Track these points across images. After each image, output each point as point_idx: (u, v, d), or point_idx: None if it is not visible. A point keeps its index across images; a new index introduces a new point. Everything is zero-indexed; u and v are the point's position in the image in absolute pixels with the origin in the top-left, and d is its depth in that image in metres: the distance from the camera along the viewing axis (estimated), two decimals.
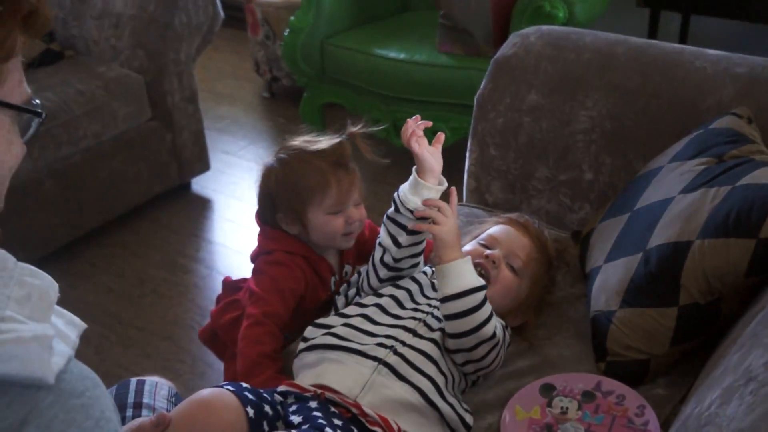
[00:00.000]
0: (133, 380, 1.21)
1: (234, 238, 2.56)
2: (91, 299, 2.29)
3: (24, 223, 2.27)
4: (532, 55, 1.66)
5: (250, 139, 3.23)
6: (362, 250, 1.44)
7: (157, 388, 1.20)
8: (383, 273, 1.29)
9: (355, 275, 1.38)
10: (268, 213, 1.36)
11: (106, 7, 2.56)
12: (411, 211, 1.22)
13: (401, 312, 1.22)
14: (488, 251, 1.31)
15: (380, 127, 1.37)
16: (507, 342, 1.25)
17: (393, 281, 1.30)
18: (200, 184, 2.87)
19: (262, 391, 1.06)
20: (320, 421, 1.01)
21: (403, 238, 1.24)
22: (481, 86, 1.73)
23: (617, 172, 1.56)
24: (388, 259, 1.27)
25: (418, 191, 1.23)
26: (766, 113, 1.40)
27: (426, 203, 1.22)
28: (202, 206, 2.77)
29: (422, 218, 1.22)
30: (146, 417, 1.11)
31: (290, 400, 1.09)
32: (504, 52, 1.71)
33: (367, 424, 1.06)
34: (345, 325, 1.20)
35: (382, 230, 1.28)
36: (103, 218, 2.53)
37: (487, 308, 1.15)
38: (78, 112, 2.34)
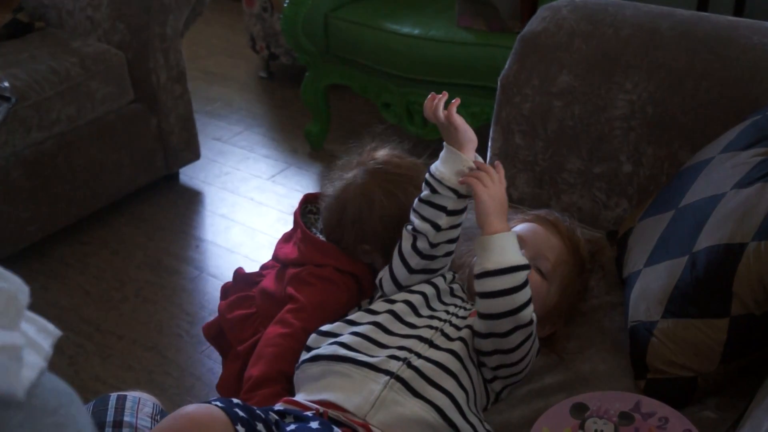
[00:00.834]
0: (113, 396, 1.21)
1: (226, 235, 2.56)
2: (65, 303, 2.30)
3: None
4: (564, 30, 1.65)
5: (245, 124, 3.23)
6: None
7: (140, 404, 1.20)
8: (415, 262, 1.28)
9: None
10: (345, 236, 1.37)
11: None
12: (453, 190, 1.23)
13: (416, 320, 1.23)
14: None
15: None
16: (536, 350, 1.24)
17: (423, 273, 1.30)
18: (189, 175, 2.88)
19: (255, 408, 1.06)
20: None
21: (443, 220, 1.25)
22: (506, 66, 1.72)
23: (660, 163, 1.55)
24: (423, 245, 1.27)
25: (457, 166, 1.24)
26: None
27: (476, 164, 1.24)
28: (190, 199, 2.77)
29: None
30: None
31: (288, 419, 1.09)
32: (532, 28, 1.70)
33: None
34: (353, 333, 1.20)
35: (413, 217, 1.28)
36: (79, 213, 2.53)
37: (528, 291, 1.16)
38: (50, 92, 2.35)
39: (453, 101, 1.27)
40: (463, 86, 2.58)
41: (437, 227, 1.25)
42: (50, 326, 0.64)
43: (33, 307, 1.84)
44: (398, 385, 1.12)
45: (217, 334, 1.48)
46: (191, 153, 2.81)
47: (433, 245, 1.27)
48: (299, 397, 1.16)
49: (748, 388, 1.18)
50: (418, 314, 1.24)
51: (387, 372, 1.13)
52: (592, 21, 1.64)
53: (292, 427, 1.06)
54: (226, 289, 1.51)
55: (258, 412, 1.05)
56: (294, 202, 2.69)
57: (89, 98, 2.44)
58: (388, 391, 1.11)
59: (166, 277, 2.39)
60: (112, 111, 2.53)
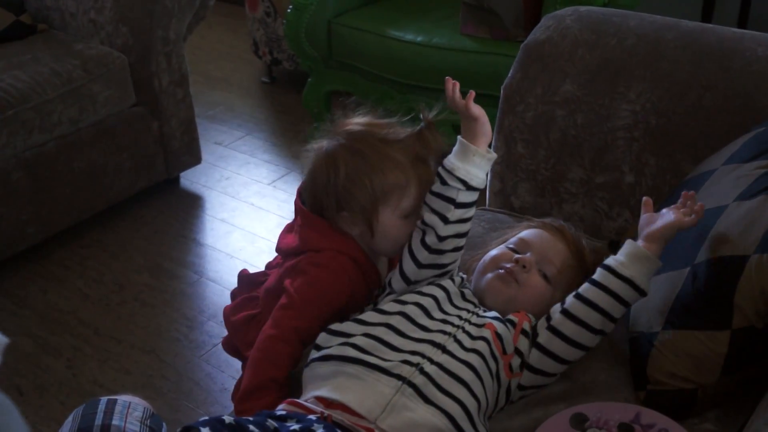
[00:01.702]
0: (103, 399, 1.20)
1: (226, 240, 2.56)
2: (63, 306, 2.30)
3: None
4: (568, 39, 1.65)
5: (247, 129, 3.24)
6: None
7: (130, 408, 1.19)
8: (423, 256, 1.27)
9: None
10: (325, 209, 1.29)
11: None
12: (462, 181, 1.24)
13: (429, 323, 1.22)
14: (518, 255, 1.32)
15: (454, 116, 1.33)
16: None
17: (432, 269, 1.29)
18: (190, 179, 2.88)
19: (250, 424, 1.04)
20: None
21: (451, 213, 1.25)
22: (509, 75, 1.72)
23: (662, 174, 1.55)
24: (431, 239, 1.26)
25: (468, 158, 1.25)
26: None
27: None
28: (191, 204, 2.77)
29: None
30: None
31: (290, 423, 1.09)
32: (536, 36, 1.70)
33: None
34: (366, 335, 1.19)
35: (424, 211, 1.27)
36: (79, 215, 2.53)
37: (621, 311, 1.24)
38: (52, 94, 2.35)
39: (470, 93, 1.29)
40: (465, 94, 2.58)
41: (445, 219, 1.25)
42: None
43: (31, 308, 1.83)
44: (410, 390, 1.11)
45: (235, 346, 1.42)
46: (192, 157, 2.81)
47: (441, 238, 1.26)
48: (306, 397, 1.16)
49: (749, 401, 1.17)
50: (430, 317, 1.23)
51: (399, 377, 1.12)
52: (596, 31, 1.64)
53: (295, 427, 1.06)
54: (233, 294, 1.47)
55: (252, 428, 1.03)
56: None
57: (91, 101, 2.45)
58: (399, 396, 1.11)
59: (166, 281, 2.39)
60: (113, 114, 2.53)
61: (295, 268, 1.30)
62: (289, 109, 3.37)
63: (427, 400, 1.11)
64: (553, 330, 1.24)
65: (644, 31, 1.60)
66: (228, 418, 1.05)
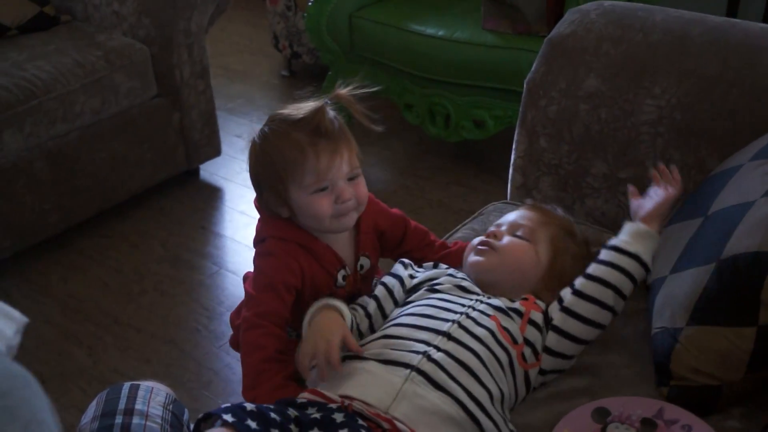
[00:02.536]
0: (126, 384, 1.21)
1: (245, 232, 2.57)
2: (84, 295, 2.31)
3: (11, 208, 2.29)
4: (593, 34, 1.64)
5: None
6: (382, 239, 1.41)
7: (153, 393, 1.20)
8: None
9: (380, 286, 1.34)
10: (258, 195, 1.33)
11: None
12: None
13: (433, 311, 1.23)
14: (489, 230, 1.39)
15: (374, 88, 1.33)
16: None
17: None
18: (209, 171, 2.89)
19: (271, 411, 1.05)
20: None
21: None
22: (533, 69, 1.71)
23: (687, 170, 1.54)
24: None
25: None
26: None
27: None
28: (210, 195, 2.78)
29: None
30: None
31: (311, 411, 1.09)
32: (560, 31, 1.69)
33: None
34: (372, 339, 1.21)
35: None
36: (100, 205, 2.55)
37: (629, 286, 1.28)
38: (75, 85, 2.36)
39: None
40: (486, 89, 2.58)
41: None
42: (16, 313, 0.63)
43: (53, 297, 1.84)
44: (419, 377, 1.12)
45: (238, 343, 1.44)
46: (212, 149, 2.82)
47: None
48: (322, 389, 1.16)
49: None
50: (434, 307, 1.24)
51: (407, 365, 1.13)
52: (621, 25, 1.63)
53: (317, 421, 1.06)
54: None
55: (273, 415, 1.04)
56: None
57: (113, 92, 2.46)
58: (409, 384, 1.11)
59: (185, 271, 2.40)
60: (135, 105, 2.54)
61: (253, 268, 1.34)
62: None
63: (437, 386, 1.11)
64: (566, 311, 1.25)
65: (670, 26, 1.59)
66: (249, 406, 1.06)
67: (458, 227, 1.65)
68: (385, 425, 1.07)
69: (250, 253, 2.54)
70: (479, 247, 1.35)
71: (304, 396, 1.14)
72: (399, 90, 2.75)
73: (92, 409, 1.19)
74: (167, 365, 2.06)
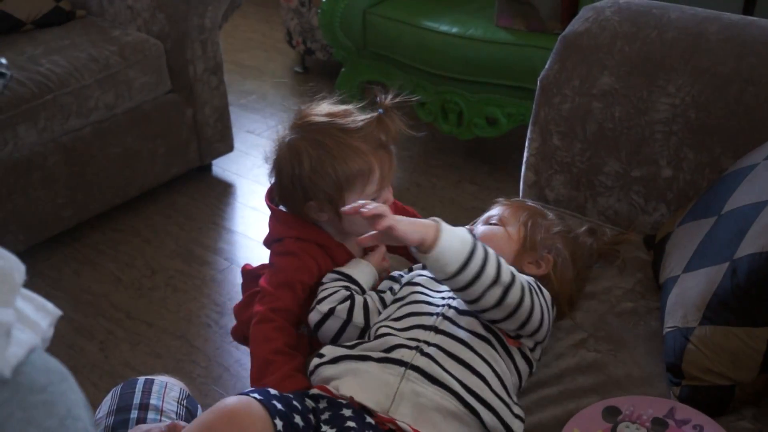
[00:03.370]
0: (141, 379, 1.22)
1: (257, 227, 2.58)
2: (96, 289, 2.32)
3: (25, 202, 2.31)
4: (607, 32, 1.63)
5: (279, 118, 3.24)
6: None
7: (167, 388, 1.21)
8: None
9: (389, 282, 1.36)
10: (292, 199, 1.32)
11: None
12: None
13: (416, 308, 1.23)
14: None
15: (415, 98, 1.36)
16: (547, 297, 1.24)
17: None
18: (222, 167, 2.90)
19: (292, 398, 1.06)
20: None
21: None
22: (546, 66, 1.70)
23: (701, 169, 1.53)
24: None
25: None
26: None
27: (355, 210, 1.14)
28: (223, 191, 2.79)
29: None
30: (153, 424, 1.11)
31: (322, 404, 1.10)
32: (574, 28, 1.68)
33: None
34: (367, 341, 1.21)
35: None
36: (113, 200, 2.56)
37: (493, 258, 1.15)
38: (89, 80, 2.37)
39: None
40: (499, 86, 2.57)
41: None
42: (50, 306, 0.63)
43: (66, 291, 1.86)
44: (414, 374, 1.11)
45: (242, 336, 1.45)
46: (225, 145, 2.83)
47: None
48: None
49: None
50: (416, 302, 1.25)
51: (401, 362, 1.13)
52: (636, 23, 1.62)
53: (327, 415, 1.07)
54: (242, 288, 1.49)
55: (295, 402, 1.06)
56: None
57: (127, 87, 2.47)
58: (405, 382, 1.11)
59: (197, 267, 2.41)
60: (148, 100, 2.55)
61: (268, 264, 1.36)
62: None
63: (433, 381, 1.11)
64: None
65: (685, 23, 1.58)
66: (273, 391, 1.07)
67: (469, 225, 1.65)
68: (388, 425, 1.07)
69: (262, 249, 2.56)
70: None
71: (313, 391, 1.14)
72: (412, 87, 2.75)
73: (107, 403, 1.19)
74: (178, 360, 2.07)
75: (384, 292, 1.33)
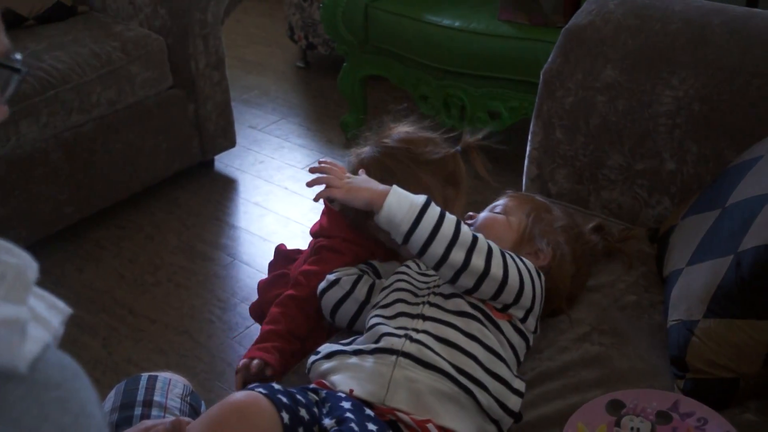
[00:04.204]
0: (144, 376, 1.23)
1: (260, 223, 2.58)
2: (99, 286, 2.33)
3: (28, 198, 2.31)
4: (611, 24, 1.63)
5: (281, 113, 3.25)
6: None
7: (171, 385, 1.22)
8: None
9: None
10: (358, 214, 1.34)
11: None
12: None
13: (402, 295, 1.25)
14: None
15: (500, 145, 1.41)
16: (531, 267, 1.24)
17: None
18: (224, 162, 2.90)
19: (296, 392, 1.07)
20: (353, 425, 1.02)
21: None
22: (549, 59, 1.71)
23: (705, 162, 1.53)
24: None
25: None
26: None
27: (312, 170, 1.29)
28: (225, 187, 2.79)
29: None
30: (157, 419, 1.12)
31: (322, 394, 1.11)
32: (578, 21, 1.68)
33: (406, 430, 1.07)
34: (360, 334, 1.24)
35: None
36: (115, 196, 2.56)
37: (450, 218, 1.18)
38: (91, 75, 2.38)
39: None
40: (502, 80, 2.57)
41: None
42: (60, 304, 0.64)
43: (67, 287, 1.87)
44: (406, 361, 1.12)
45: (260, 313, 1.50)
46: (227, 140, 2.83)
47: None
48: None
49: None
50: (401, 290, 1.26)
51: (392, 351, 1.14)
52: (639, 15, 1.62)
53: (327, 407, 1.08)
54: (270, 266, 1.54)
55: (299, 396, 1.07)
56: None
57: (129, 82, 2.47)
58: (398, 369, 1.12)
59: (199, 262, 2.42)
60: (150, 96, 2.56)
61: (312, 249, 1.40)
62: (324, 94, 3.38)
63: (426, 365, 1.12)
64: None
65: (690, 15, 1.58)
66: (277, 386, 1.08)
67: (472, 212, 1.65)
68: (387, 416, 1.07)
69: (265, 244, 2.57)
70: None
71: (312, 386, 1.15)
72: (414, 81, 2.75)
73: (110, 400, 1.20)
74: (181, 356, 2.08)
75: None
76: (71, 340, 2.12)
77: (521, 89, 2.54)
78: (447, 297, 1.22)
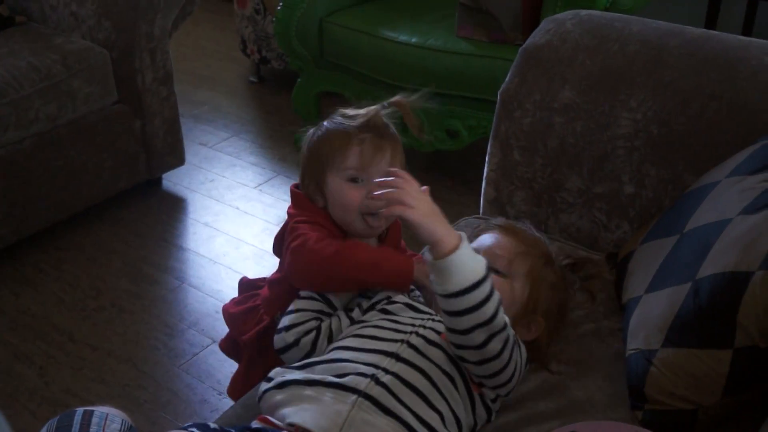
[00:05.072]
0: (79, 411, 1.19)
1: (209, 245, 2.55)
2: (36, 311, 2.27)
3: None
4: (568, 44, 1.65)
5: (233, 130, 3.22)
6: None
7: (107, 420, 1.18)
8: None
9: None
10: (302, 185, 1.40)
11: None
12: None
13: (380, 332, 1.22)
14: None
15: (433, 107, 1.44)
16: (524, 356, 1.23)
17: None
18: (172, 181, 2.86)
19: (232, 429, 1.05)
20: None
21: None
22: (507, 79, 1.72)
23: (663, 185, 1.55)
24: None
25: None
26: None
27: (391, 173, 1.16)
28: (173, 206, 2.76)
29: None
30: None
31: None
32: (535, 41, 1.70)
33: None
34: (320, 361, 1.19)
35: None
36: (55, 216, 2.51)
37: (496, 297, 1.11)
38: (29, 89, 2.33)
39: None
40: (460, 98, 2.59)
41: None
42: None
43: (3, 313, 1.82)
44: (367, 403, 1.10)
45: (236, 348, 1.50)
46: (175, 158, 2.80)
47: None
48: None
49: (751, 423, 1.17)
50: (381, 328, 1.23)
51: (354, 390, 1.11)
52: (597, 36, 1.64)
53: None
54: (236, 302, 1.52)
55: None
56: (281, 212, 2.68)
57: (70, 97, 2.43)
58: (356, 410, 1.09)
59: (145, 286, 2.38)
60: (94, 111, 2.52)
61: (288, 235, 1.35)
62: (278, 110, 3.36)
63: (386, 411, 1.10)
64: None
65: (647, 37, 1.60)
66: (213, 425, 1.05)
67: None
68: None
69: (215, 266, 2.54)
70: None
71: (256, 424, 1.13)
72: (371, 98, 2.74)
73: None
74: (124, 386, 2.03)
75: (352, 310, 1.32)
76: (5, 369, 2.06)
77: (480, 107, 2.56)
78: (430, 344, 1.19)
